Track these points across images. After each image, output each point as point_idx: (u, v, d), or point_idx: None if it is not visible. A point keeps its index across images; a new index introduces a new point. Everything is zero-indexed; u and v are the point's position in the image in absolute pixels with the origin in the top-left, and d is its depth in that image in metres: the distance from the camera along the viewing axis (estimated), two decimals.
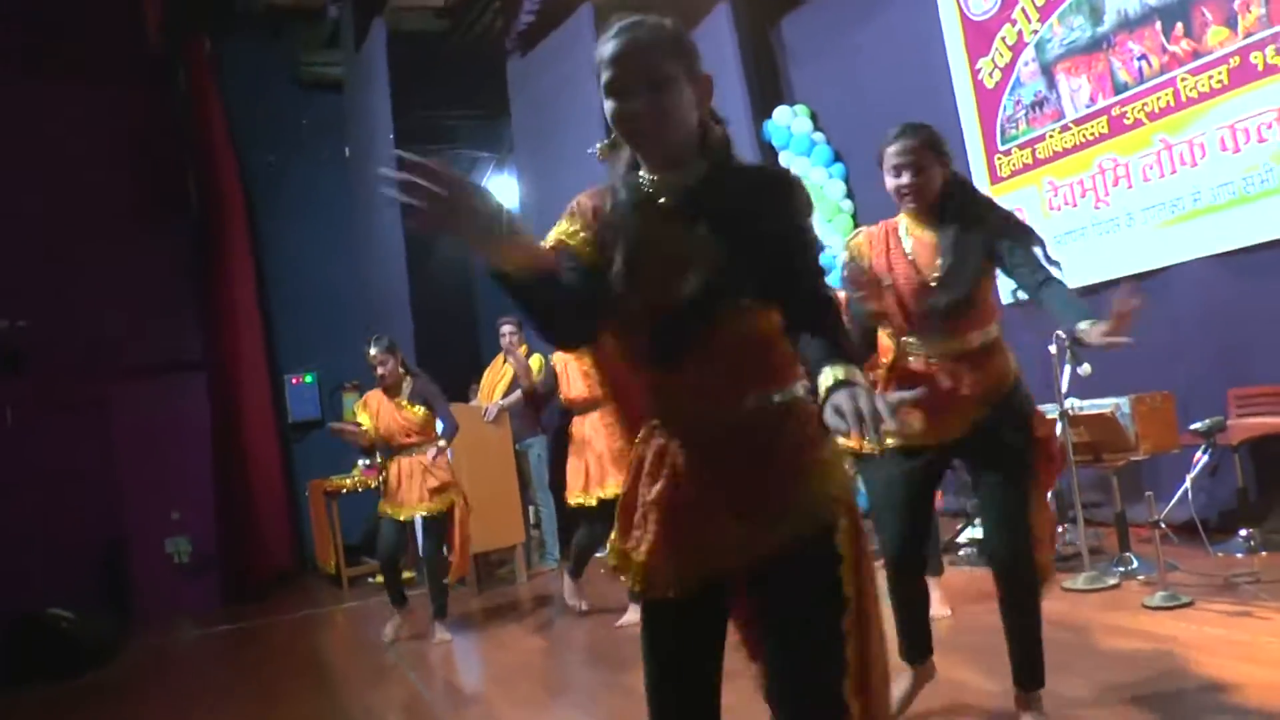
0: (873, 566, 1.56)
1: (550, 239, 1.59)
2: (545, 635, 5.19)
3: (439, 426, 5.26)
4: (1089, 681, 3.04)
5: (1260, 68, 4.52)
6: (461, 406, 6.64)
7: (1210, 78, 4.75)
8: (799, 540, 1.49)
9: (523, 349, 6.78)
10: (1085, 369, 4.09)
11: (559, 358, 5.41)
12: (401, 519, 5.20)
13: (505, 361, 6.85)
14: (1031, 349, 3.71)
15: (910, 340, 2.68)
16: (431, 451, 5.15)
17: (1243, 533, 4.43)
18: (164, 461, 7.54)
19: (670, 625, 1.59)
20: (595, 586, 5.38)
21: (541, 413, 6.93)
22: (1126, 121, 5.19)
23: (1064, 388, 4.29)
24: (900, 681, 2.77)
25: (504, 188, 9.75)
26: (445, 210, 1.28)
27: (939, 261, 2.59)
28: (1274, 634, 3.34)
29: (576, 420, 5.23)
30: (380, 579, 5.79)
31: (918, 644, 2.83)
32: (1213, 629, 3.45)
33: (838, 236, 6.62)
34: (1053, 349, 4.19)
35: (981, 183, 6.04)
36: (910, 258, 2.63)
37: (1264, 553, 4.32)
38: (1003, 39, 5.83)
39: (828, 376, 1.34)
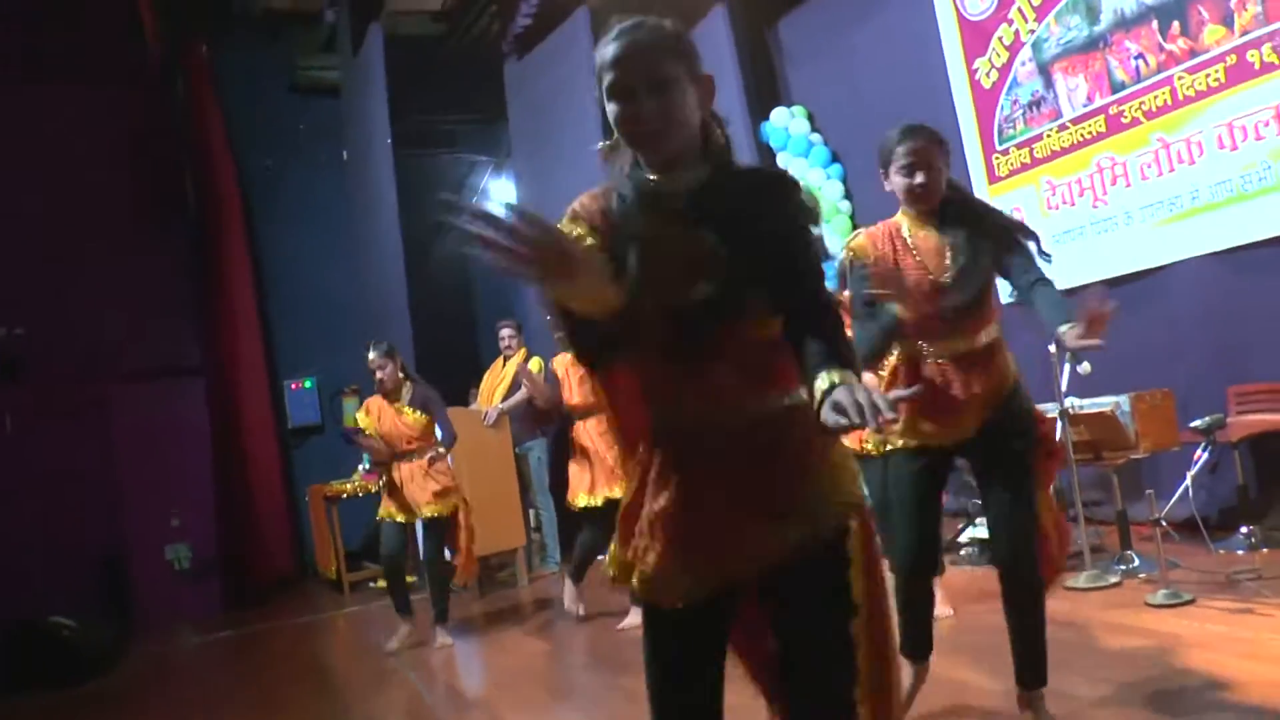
0: (882, 570, 1.56)
1: None
2: (547, 639, 5.18)
3: (438, 433, 5.26)
4: (1091, 680, 3.04)
5: (1257, 66, 4.53)
6: (461, 410, 6.65)
7: (1207, 76, 4.75)
8: (812, 544, 1.48)
9: (521, 352, 6.79)
10: (1085, 368, 4.10)
11: (559, 362, 5.41)
12: (403, 520, 5.18)
13: (504, 364, 6.85)
14: (1032, 348, 3.71)
15: (920, 341, 2.68)
16: (429, 455, 5.15)
17: (1243, 530, 4.43)
18: (163, 468, 7.52)
19: (672, 631, 1.58)
20: (596, 590, 5.36)
21: (554, 422, 6.92)
22: (1124, 120, 5.20)
23: (1064, 386, 4.30)
24: (904, 679, 2.77)
25: (502, 191, 9.76)
26: (533, 260, 1.24)
27: (948, 262, 2.60)
28: (1276, 631, 3.33)
29: (579, 424, 5.22)
30: (382, 584, 5.79)
31: (920, 644, 2.83)
32: (1214, 626, 3.45)
33: (836, 237, 6.62)
34: (1052, 348, 4.19)
35: (980, 183, 6.05)
36: (918, 259, 2.63)
37: (1265, 549, 4.32)
38: (999, 39, 5.84)
39: (824, 380, 1.34)
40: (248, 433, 8.14)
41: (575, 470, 5.17)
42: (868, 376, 2.87)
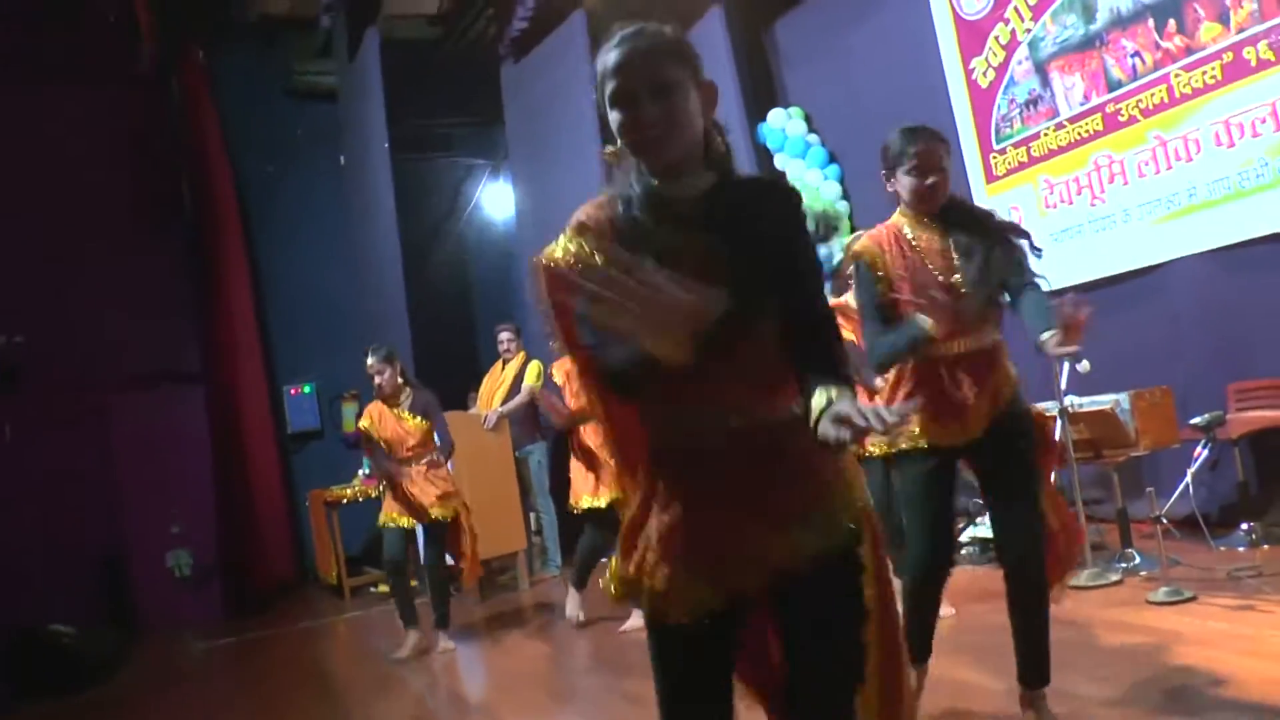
0: (890, 575, 1.57)
1: (563, 256, 1.51)
2: (548, 642, 5.18)
3: (437, 440, 5.25)
4: (1093, 678, 3.04)
5: (1253, 63, 4.53)
6: (460, 414, 6.65)
7: (1204, 73, 4.75)
8: (827, 551, 1.48)
9: (520, 355, 6.79)
10: (1084, 366, 4.09)
11: (559, 368, 5.39)
12: (406, 526, 5.16)
13: (503, 368, 6.85)
14: (1032, 347, 3.71)
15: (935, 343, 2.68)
16: (427, 459, 5.14)
17: (1244, 526, 4.43)
18: (163, 474, 7.51)
19: (681, 646, 1.55)
20: (597, 592, 5.36)
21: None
22: (1121, 118, 5.20)
23: (1063, 385, 4.30)
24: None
25: (500, 194, 9.76)
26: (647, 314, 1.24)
27: (957, 263, 2.60)
28: (1277, 627, 3.33)
29: (581, 427, 5.20)
30: (383, 589, 5.76)
31: (922, 647, 2.82)
32: (1216, 623, 3.45)
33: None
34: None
35: (977, 182, 6.06)
36: (931, 266, 2.63)
37: (1265, 546, 4.32)
38: (996, 38, 5.84)
39: (821, 396, 1.34)
40: (247, 438, 8.12)
41: (578, 472, 5.14)
42: (877, 381, 2.88)
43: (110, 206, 7.69)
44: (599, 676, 4.44)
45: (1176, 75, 4.88)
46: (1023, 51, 5.71)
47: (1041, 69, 5.62)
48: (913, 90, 6.23)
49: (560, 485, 5.59)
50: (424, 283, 8.34)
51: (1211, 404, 4.60)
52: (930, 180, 2.59)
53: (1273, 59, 4.45)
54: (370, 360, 5.17)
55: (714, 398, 1.49)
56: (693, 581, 1.50)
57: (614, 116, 1.48)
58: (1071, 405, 4.37)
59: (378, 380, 5.15)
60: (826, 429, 1.29)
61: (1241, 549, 4.34)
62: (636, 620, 4.51)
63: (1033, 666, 2.65)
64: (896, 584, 1.75)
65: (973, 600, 4.07)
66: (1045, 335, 2.44)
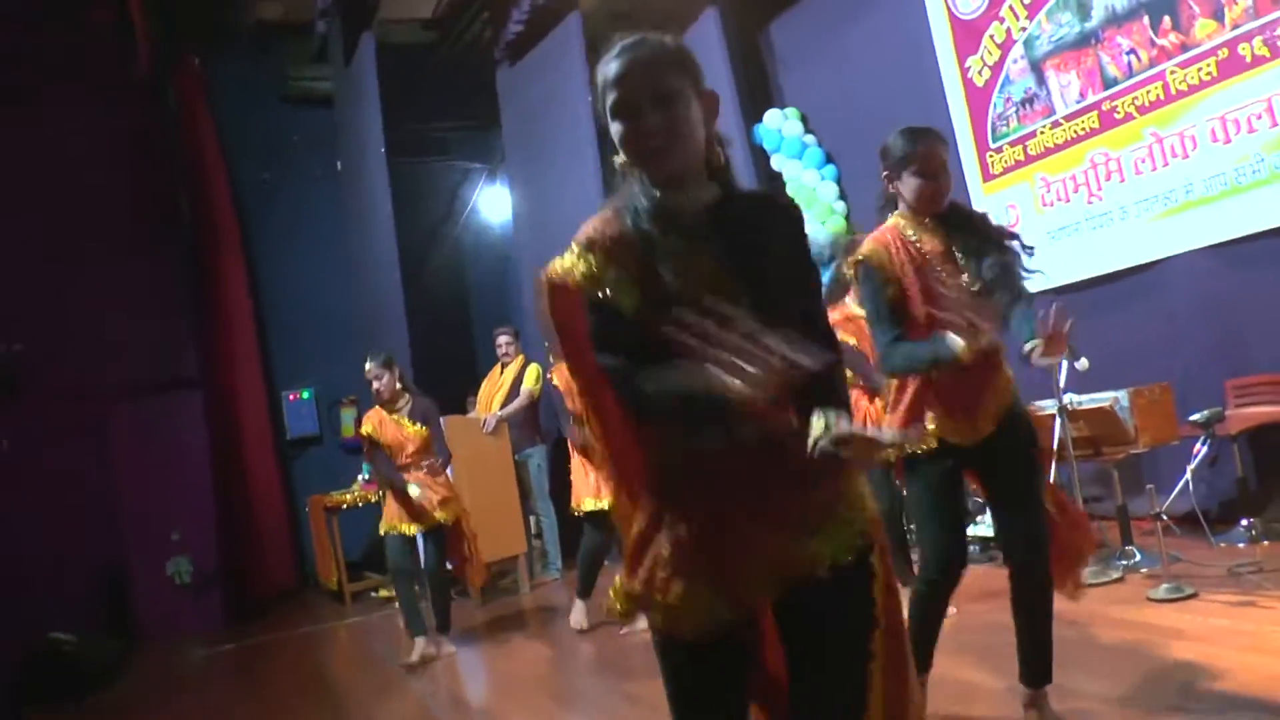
0: (897, 584, 1.57)
1: (575, 279, 1.48)
2: (550, 645, 5.18)
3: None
4: (1094, 675, 3.04)
5: (1248, 59, 4.54)
6: (460, 418, 6.65)
7: (1199, 70, 4.76)
8: (842, 560, 1.47)
9: (519, 359, 6.79)
10: (1083, 364, 4.09)
11: (558, 373, 5.38)
12: (409, 532, 5.13)
13: (502, 371, 6.85)
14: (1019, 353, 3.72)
15: None
16: (426, 464, 5.14)
17: (1244, 522, 4.44)
18: (163, 482, 7.50)
19: (690, 660, 1.53)
20: (597, 594, 5.35)
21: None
22: (1117, 116, 5.20)
23: (1062, 382, 4.30)
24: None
25: (496, 197, 9.76)
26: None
27: (962, 263, 2.60)
28: (1278, 623, 3.33)
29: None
30: (384, 593, 5.75)
31: (926, 657, 2.80)
32: (1217, 620, 3.45)
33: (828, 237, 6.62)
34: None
35: (974, 181, 6.06)
36: (933, 264, 2.62)
37: (1265, 542, 4.32)
38: (991, 37, 5.85)
39: (820, 418, 1.35)
40: (246, 445, 8.12)
41: (580, 474, 5.13)
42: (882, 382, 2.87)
43: (107, 214, 7.68)
44: (601, 679, 4.44)
45: (1172, 72, 4.89)
46: (1018, 50, 5.71)
47: (1037, 67, 5.62)
48: (909, 90, 6.23)
49: (560, 488, 5.59)
50: (422, 287, 8.35)
51: (1210, 400, 4.61)
52: (937, 182, 2.59)
53: (1268, 55, 4.46)
54: (369, 365, 5.17)
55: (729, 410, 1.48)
56: (708, 595, 1.48)
57: (615, 128, 1.47)
58: (1071, 403, 4.37)
59: (376, 385, 5.15)
60: (826, 447, 1.30)
61: (1242, 545, 4.34)
62: (638, 622, 4.50)
63: (1036, 666, 2.64)
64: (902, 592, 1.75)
65: (973, 600, 4.05)
66: (1028, 345, 2.50)
